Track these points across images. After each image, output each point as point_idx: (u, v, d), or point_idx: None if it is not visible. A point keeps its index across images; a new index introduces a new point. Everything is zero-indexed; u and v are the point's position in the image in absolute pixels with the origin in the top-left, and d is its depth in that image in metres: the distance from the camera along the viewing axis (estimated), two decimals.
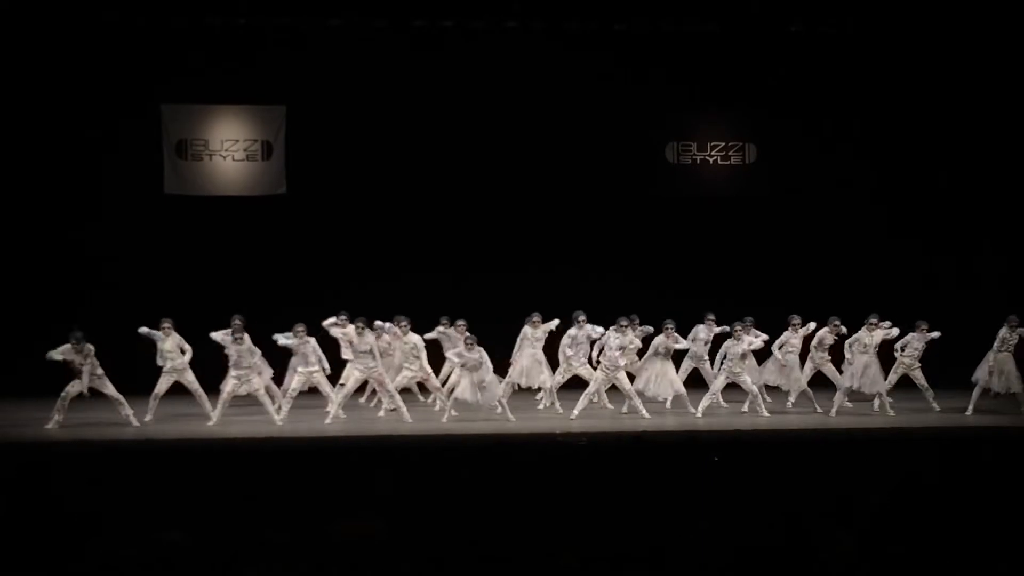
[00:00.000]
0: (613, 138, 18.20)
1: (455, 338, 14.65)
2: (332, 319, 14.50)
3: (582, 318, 14.52)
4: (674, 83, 18.13)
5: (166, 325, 13.96)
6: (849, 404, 14.99)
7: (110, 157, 17.27)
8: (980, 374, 14.51)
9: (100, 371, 13.40)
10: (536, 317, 14.65)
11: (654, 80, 18.01)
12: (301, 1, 17.25)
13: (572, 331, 14.56)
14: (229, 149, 18.04)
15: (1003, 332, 14.47)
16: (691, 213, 18.54)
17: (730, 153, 18.85)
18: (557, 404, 14.69)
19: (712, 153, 18.83)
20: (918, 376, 14.64)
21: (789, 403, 15.24)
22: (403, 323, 14.34)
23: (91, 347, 13.31)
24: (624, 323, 14.15)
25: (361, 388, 14.96)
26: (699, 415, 14.20)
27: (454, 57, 17.70)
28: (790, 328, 14.70)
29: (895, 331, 14.48)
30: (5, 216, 17.27)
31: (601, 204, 18.30)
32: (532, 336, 14.59)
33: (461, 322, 14.73)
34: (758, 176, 18.76)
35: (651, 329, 14.64)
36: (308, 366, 13.91)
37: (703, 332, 15.07)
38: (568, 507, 6.34)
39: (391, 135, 17.78)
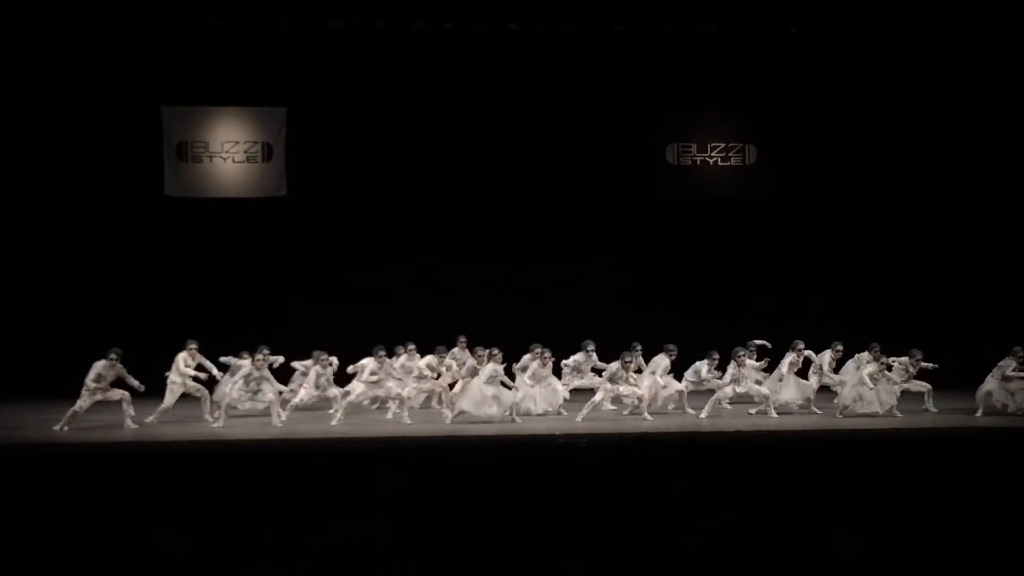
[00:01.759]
0: (614, 140, 18.19)
1: (460, 356, 14.66)
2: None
3: (591, 347, 14.49)
4: (674, 84, 18.13)
5: (192, 347, 13.77)
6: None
7: (110, 159, 17.26)
8: (987, 403, 13.96)
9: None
10: (546, 352, 14.09)
11: (654, 81, 18.00)
12: (301, 3, 17.23)
13: (579, 357, 14.50)
14: (229, 151, 18.01)
15: (1006, 362, 13.91)
16: (692, 214, 18.53)
17: (730, 154, 18.84)
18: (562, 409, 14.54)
19: (712, 154, 18.82)
20: (914, 384, 14.59)
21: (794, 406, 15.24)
22: (411, 347, 14.36)
23: (122, 367, 13.18)
24: (628, 359, 13.98)
25: None
26: (703, 416, 14.14)
27: (455, 59, 17.69)
28: (794, 352, 14.64)
29: (904, 358, 14.36)
30: (5, 218, 17.25)
31: (602, 206, 18.29)
32: (541, 371, 14.08)
33: (462, 338, 15.08)
34: (758, 177, 18.75)
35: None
36: (318, 389, 13.77)
37: (704, 370, 14.67)
38: (569, 508, 6.33)
39: (392, 137, 17.78)
